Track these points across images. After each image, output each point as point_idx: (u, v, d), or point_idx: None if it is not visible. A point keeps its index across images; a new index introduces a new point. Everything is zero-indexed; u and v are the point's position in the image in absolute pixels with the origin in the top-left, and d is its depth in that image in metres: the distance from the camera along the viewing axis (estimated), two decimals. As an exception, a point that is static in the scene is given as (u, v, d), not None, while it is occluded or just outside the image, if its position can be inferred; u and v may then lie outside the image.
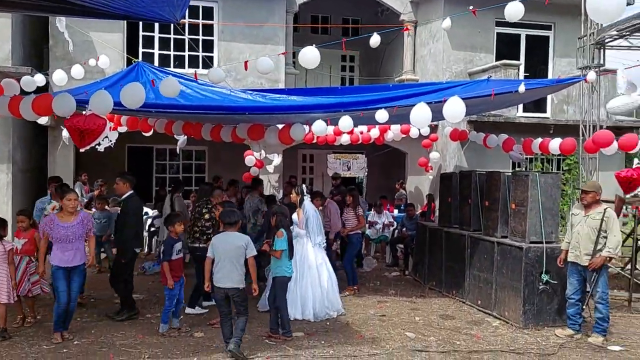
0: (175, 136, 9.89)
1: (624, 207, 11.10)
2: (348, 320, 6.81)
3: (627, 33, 8.25)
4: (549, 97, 12.46)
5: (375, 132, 11.20)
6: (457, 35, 12.25)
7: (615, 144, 6.92)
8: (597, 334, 6.21)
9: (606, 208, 6.16)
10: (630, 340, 6.30)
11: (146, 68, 8.30)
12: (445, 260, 8.46)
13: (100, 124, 5.11)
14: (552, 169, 12.22)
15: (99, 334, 6.01)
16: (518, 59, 12.36)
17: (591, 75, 6.93)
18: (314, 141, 10.95)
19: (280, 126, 7.47)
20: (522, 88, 6.12)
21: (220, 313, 5.46)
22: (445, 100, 5.55)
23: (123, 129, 9.55)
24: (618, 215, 7.25)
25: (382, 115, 6.21)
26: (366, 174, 14.31)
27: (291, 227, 6.91)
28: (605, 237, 6.06)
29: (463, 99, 5.50)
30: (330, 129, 10.61)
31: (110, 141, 7.85)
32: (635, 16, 7.77)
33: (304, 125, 7.17)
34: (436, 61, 12.58)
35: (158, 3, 5.75)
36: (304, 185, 7.46)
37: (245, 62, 7.35)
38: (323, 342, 5.94)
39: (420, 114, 5.60)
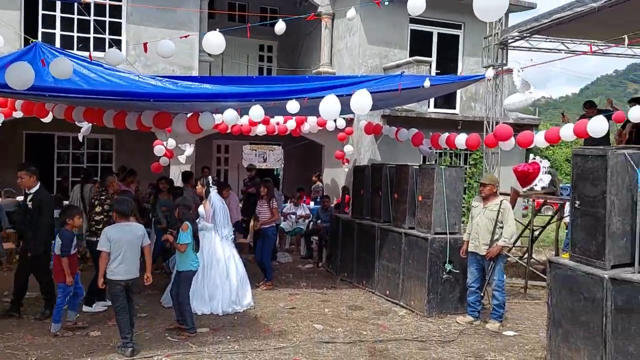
0: (77, 123, 9.28)
1: (525, 200, 11.80)
2: (257, 314, 6.71)
3: (527, 35, 8.71)
4: (457, 94, 12.96)
5: (291, 124, 11.13)
6: (373, 30, 12.43)
7: (513, 140, 7.29)
8: (494, 320, 6.53)
9: (502, 200, 6.48)
10: (523, 325, 6.68)
11: (45, 49, 7.67)
12: (357, 251, 8.58)
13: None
14: (460, 163, 12.75)
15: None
16: (430, 55, 12.74)
17: (489, 72, 7.26)
18: (229, 131, 10.72)
19: (188, 114, 7.18)
20: (427, 83, 6.28)
21: (118, 307, 5.17)
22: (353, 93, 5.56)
23: (18, 114, 8.84)
24: (513, 207, 7.66)
25: (293, 106, 6.14)
26: (283, 165, 14.21)
27: (198, 220, 6.70)
28: (502, 228, 6.37)
29: (371, 92, 5.54)
30: (245, 119, 10.49)
31: None
32: (534, 19, 8.22)
33: (214, 114, 6.94)
34: (352, 55, 12.69)
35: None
36: (209, 177, 7.23)
37: (145, 44, 7.00)
38: (229, 337, 5.80)
39: (329, 106, 5.58)
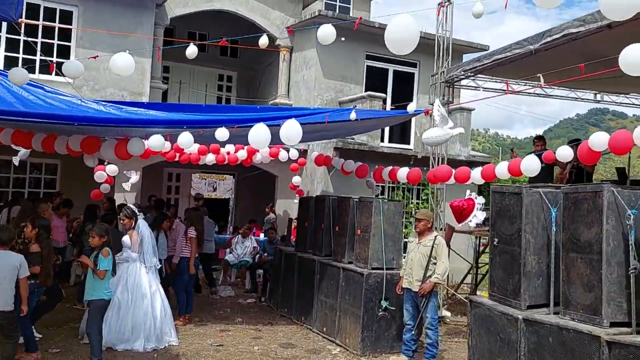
0: (13, 146, 8.95)
1: (473, 237, 11.76)
2: (180, 351, 6.37)
3: (472, 74, 8.82)
4: (412, 130, 13.06)
5: (242, 154, 10.96)
6: (330, 65, 12.51)
7: (452, 177, 7.27)
8: (427, 359, 6.34)
9: (437, 235, 6.38)
10: (458, 365, 6.51)
11: (-17, 69, 7.45)
12: (297, 286, 8.34)
13: None
14: (412, 198, 12.73)
15: None
16: (386, 92, 12.85)
17: (410, 107, 7.28)
18: (176, 159, 10.49)
19: (117, 140, 6.97)
20: (353, 115, 6.25)
21: None
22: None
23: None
24: (448, 244, 7.59)
25: (222, 133, 6.01)
26: (233, 195, 13.98)
27: (122, 251, 6.42)
28: (435, 264, 6.25)
29: (300, 123, 5.44)
30: (195, 147, 10.30)
31: None
32: (476, 59, 8.34)
33: (143, 140, 6.74)
34: (308, 88, 12.72)
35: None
36: (131, 205, 6.96)
37: (95, 56, 6.83)
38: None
39: (259, 134, 5.46)
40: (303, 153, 11.97)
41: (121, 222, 6.67)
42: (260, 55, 15.36)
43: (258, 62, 15.13)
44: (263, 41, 5.90)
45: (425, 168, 8.36)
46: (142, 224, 6.66)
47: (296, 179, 11.30)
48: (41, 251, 5.48)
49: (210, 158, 10.85)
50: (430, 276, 6.25)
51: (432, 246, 6.28)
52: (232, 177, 13.26)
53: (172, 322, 6.76)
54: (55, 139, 7.41)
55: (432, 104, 8.48)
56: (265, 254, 10.36)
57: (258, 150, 11.08)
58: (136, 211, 6.63)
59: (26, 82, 5.65)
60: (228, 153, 10.93)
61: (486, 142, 73.68)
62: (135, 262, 6.48)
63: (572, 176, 8.38)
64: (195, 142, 9.50)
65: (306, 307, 7.99)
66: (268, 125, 5.73)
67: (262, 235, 12.11)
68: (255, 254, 10.72)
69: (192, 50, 5.97)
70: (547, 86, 7.89)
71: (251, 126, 5.77)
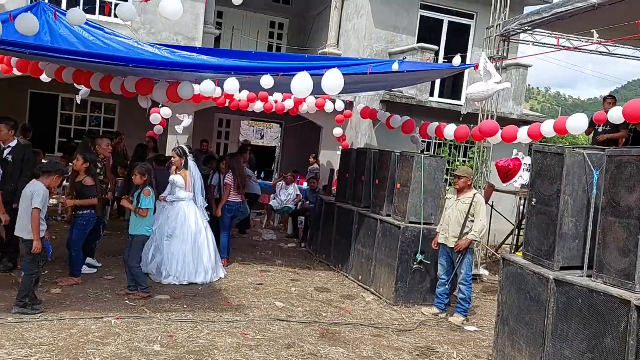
0: (76, 85, 9.36)
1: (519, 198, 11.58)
2: (222, 287, 6.75)
3: (529, 28, 8.46)
4: (464, 85, 12.72)
5: (289, 103, 11.04)
6: (382, 14, 12.22)
7: (499, 135, 7.13)
8: (458, 314, 6.47)
9: (476, 193, 6.36)
10: (489, 322, 6.59)
11: (47, 8, 7.73)
12: (336, 234, 8.55)
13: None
14: (458, 156, 12.56)
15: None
16: (439, 44, 12.50)
17: (456, 60, 7.08)
18: (226, 105, 10.71)
19: (170, 83, 7.17)
20: (395, 67, 6.16)
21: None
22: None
23: (16, 72, 8.93)
24: (487, 202, 7.52)
25: (266, 81, 6.09)
26: (280, 144, 14.17)
27: (173, 190, 6.76)
28: (473, 222, 6.26)
29: (343, 73, 5.45)
30: (245, 94, 10.47)
31: None
32: (535, 12, 7.97)
33: (193, 84, 6.91)
34: (359, 37, 12.52)
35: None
36: (183, 145, 7.26)
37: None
38: (185, 306, 5.85)
39: (301, 83, 5.51)
40: (349, 105, 11.93)
41: (172, 160, 6.98)
42: (313, 2, 15.15)
43: (310, 9, 14.95)
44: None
45: (472, 125, 8.21)
46: (192, 165, 6.95)
47: (337, 131, 11.32)
48: (95, 184, 5.85)
49: (258, 106, 11.00)
50: (467, 233, 6.28)
51: (471, 204, 6.27)
52: (279, 125, 13.39)
53: (220, 257, 7.18)
54: (112, 80, 7.69)
55: (490, 58, 8.25)
56: (307, 202, 10.59)
57: (305, 100, 11.13)
58: (187, 151, 6.91)
59: (83, 22, 5.86)
60: (276, 102, 11.04)
61: (546, 102, 70.64)
62: (190, 201, 6.84)
63: (627, 142, 8.04)
64: (242, 89, 9.67)
65: (343, 255, 8.22)
66: (312, 75, 5.76)
67: (305, 184, 12.33)
68: (298, 201, 10.98)
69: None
70: (608, 43, 7.48)
71: (294, 75, 5.82)
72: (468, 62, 12.93)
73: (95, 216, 6.07)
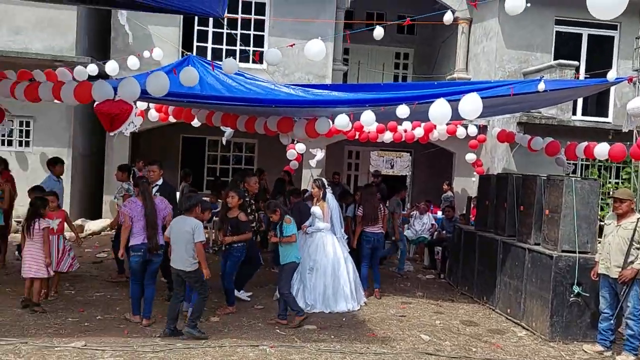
0: (221, 128, 10.21)
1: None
2: (365, 318, 6.76)
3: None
4: (611, 100, 11.74)
5: (419, 131, 11.00)
6: (513, 34, 11.81)
7: (663, 152, 6.42)
8: (627, 352, 5.81)
9: (639, 218, 5.75)
10: (665, 362, 5.85)
11: (196, 61, 8.61)
12: (478, 265, 8.20)
13: (125, 109, 5.37)
14: (610, 177, 11.51)
15: (123, 311, 6.29)
16: (579, 59, 11.72)
17: (610, 74, 6.48)
18: (356, 137, 10.95)
19: (307, 119, 7.53)
20: (541, 86, 5.83)
21: (174, 292, 5.73)
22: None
23: (171, 119, 9.99)
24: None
25: (402, 110, 6.13)
26: (410, 172, 14.07)
27: (312, 220, 7.01)
28: (638, 249, 5.65)
29: (481, 97, 5.31)
30: (374, 126, 10.63)
31: (135, 126, 8.20)
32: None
33: (329, 120, 7.19)
34: (489, 60, 12.18)
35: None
36: (323, 179, 7.50)
37: (291, 44, 7.43)
38: (333, 336, 5.94)
39: (439, 110, 5.46)
40: (482, 129, 11.58)
41: (311, 191, 7.27)
42: (438, 30, 15.07)
43: (435, 37, 14.88)
44: (447, 17, 5.85)
45: (628, 143, 7.51)
46: (330, 196, 7.17)
47: (470, 156, 10.99)
48: (247, 220, 6.26)
49: (387, 136, 11.10)
50: (632, 262, 5.68)
51: (635, 229, 5.68)
52: (408, 154, 13.37)
53: (361, 287, 7.25)
54: (256, 120, 8.27)
55: (637, 70, 7.57)
56: (444, 232, 10.33)
57: (435, 127, 11.01)
58: (326, 183, 7.16)
59: (235, 70, 6.40)
60: (405, 131, 11.06)
61: None
62: (328, 231, 7.04)
63: None
64: (375, 121, 9.84)
65: (488, 287, 7.84)
66: (448, 101, 5.71)
67: (439, 213, 12.06)
68: (433, 231, 10.76)
69: (379, 32, 6.18)
70: None
71: (431, 102, 5.80)
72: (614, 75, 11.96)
73: (246, 248, 6.46)
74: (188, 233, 5.47)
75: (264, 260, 8.12)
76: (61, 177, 8.46)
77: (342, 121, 6.58)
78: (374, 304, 7.47)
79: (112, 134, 6.27)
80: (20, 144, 11.67)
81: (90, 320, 5.91)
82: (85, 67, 8.77)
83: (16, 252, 8.20)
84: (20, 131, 11.62)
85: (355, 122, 8.22)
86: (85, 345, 5.10)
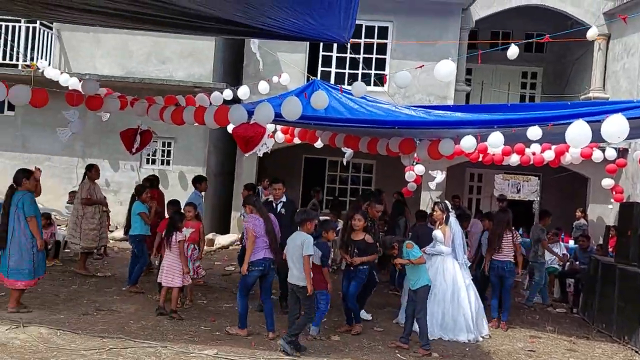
0: (342, 149, 10.45)
1: None
2: (490, 350, 6.45)
3: None
4: None
5: (549, 154, 10.34)
6: (661, 48, 10.79)
7: None
8: None
9: None
10: None
11: (320, 85, 8.97)
12: (618, 300, 7.46)
13: (259, 131, 5.71)
14: None
15: (252, 323, 6.55)
16: None
17: None
18: (479, 160, 10.58)
19: (431, 141, 7.45)
20: None
21: (289, 309, 5.88)
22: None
23: (296, 140, 10.42)
24: None
25: (534, 132, 5.83)
26: (537, 198, 13.24)
27: (434, 244, 6.87)
28: None
29: (628, 118, 4.89)
30: (500, 149, 10.21)
31: (268, 147, 8.65)
32: None
33: (453, 141, 7.04)
34: (630, 77, 11.22)
35: (326, 26, 6.24)
36: (447, 202, 7.31)
37: (421, 66, 7.44)
38: (456, 366, 5.75)
39: (578, 132, 5.11)
40: (622, 153, 10.63)
41: (434, 214, 7.13)
42: (570, 47, 14.20)
43: (567, 55, 14.03)
44: (592, 33, 5.52)
45: None
46: (454, 220, 6.99)
47: (608, 182, 10.11)
48: (374, 242, 6.31)
49: (514, 159, 10.56)
50: None
51: None
52: (536, 178, 12.62)
53: (484, 317, 6.93)
54: (378, 141, 8.37)
55: None
56: (577, 262, 9.56)
57: (567, 150, 10.30)
58: (449, 207, 7.00)
59: (364, 93, 6.55)
60: (534, 153, 10.46)
61: None
62: (448, 256, 6.85)
63: None
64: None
65: (630, 326, 7.09)
66: (587, 122, 5.33)
67: (570, 242, 11.21)
68: (565, 261, 10.00)
69: (513, 51, 6.00)
70: None
71: (568, 123, 5.45)
72: None
73: (371, 271, 6.50)
74: (299, 247, 5.64)
75: (381, 282, 8.11)
76: (203, 193, 9.16)
77: (469, 143, 6.42)
78: (500, 335, 7.10)
79: (246, 154, 6.67)
80: (162, 163, 12.86)
81: (220, 330, 6.27)
82: (221, 92, 9.47)
83: (156, 262, 8.99)
84: (163, 151, 12.82)
85: (480, 144, 7.99)
86: (217, 354, 5.43)
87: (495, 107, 10.02)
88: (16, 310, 6.24)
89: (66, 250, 9.47)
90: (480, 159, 10.55)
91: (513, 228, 7.71)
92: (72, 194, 10.67)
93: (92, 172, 8.54)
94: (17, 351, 5.10)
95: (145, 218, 7.90)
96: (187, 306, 7.10)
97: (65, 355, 5.09)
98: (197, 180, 9.03)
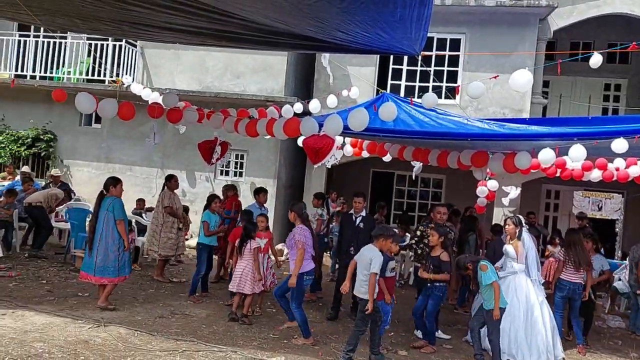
0: (411, 163, 10.34)
1: None
2: (568, 374, 6.12)
3: None
4: None
5: (635, 170, 9.71)
6: None
7: None
8: None
9: None
10: None
11: (390, 97, 8.95)
12: None
13: (328, 142, 5.79)
14: None
15: (318, 334, 6.61)
16: None
17: None
18: (557, 175, 10.12)
19: (505, 154, 7.21)
20: None
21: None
22: None
23: (365, 153, 10.43)
24: None
25: (619, 145, 5.50)
26: (621, 216, 12.44)
27: (507, 260, 6.63)
28: None
29: None
30: (579, 163, 9.72)
31: (336, 159, 8.68)
32: None
33: (530, 154, 6.77)
34: None
35: (398, 39, 6.25)
36: (520, 216, 7.03)
37: (495, 76, 7.30)
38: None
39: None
40: None
41: (506, 227, 6.89)
42: None
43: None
44: (594, 61, 5.20)
45: None
46: (527, 236, 6.72)
47: None
48: (450, 260, 6.18)
49: (595, 174, 10.01)
50: None
51: None
52: (620, 195, 11.87)
53: (559, 338, 6.60)
54: (448, 155, 8.21)
55: None
56: (665, 286, 8.87)
57: (657, 165, 9.66)
58: (523, 221, 6.75)
59: (435, 104, 6.48)
60: (617, 169, 9.87)
61: None
62: (522, 273, 6.58)
63: None
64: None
65: None
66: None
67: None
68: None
69: (596, 60, 5.73)
70: None
71: (660, 137, 5.13)
72: None
73: (446, 290, 6.35)
74: (367, 262, 5.65)
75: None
76: (264, 205, 9.25)
77: (547, 156, 6.15)
78: (577, 357, 6.72)
79: (316, 166, 6.77)
80: (235, 175, 13.28)
81: (288, 338, 6.35)
82: (292, 106, 9.67)
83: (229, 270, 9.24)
84: (236, 163, 13.23)
85: (558, 158, 7.65)
86: (285, 361, 5.51)
87: (575, 120, 9.56)
88: (105, 307, 6.74)
89: (145, 256, 9.97)
90: (557, 174, 10.09)
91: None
92: (140, 202, 11.17)
93: (171, 182, 8.92)
94: (98, 349, 5.40)
95: (206, 227, 7.95)
96: (257, 314, 7.24)
97: (141, 355, 5.34)
98: (257, 192, 9.13)
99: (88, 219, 8.15)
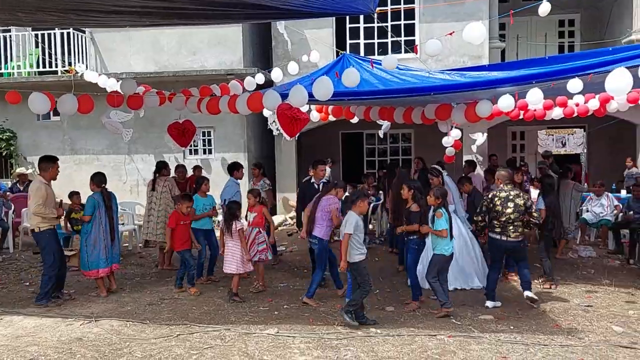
0: (378, 122, 10.40)
1: None
2: (546, 308, 6.43)
3: None
4: None
5: (594, 104, 9.98)
6: None
7: None
8: None
9: None
10: None
11: (350, 59, 8.93)
12: (677, 249, 7.30)
13: (304, 117, 5.79)
14: None
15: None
16: None
17: None
18: (520, 117, 10.34)
19: (467, 104, 7.35)
20: None
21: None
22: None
23: (331, 117, 10.46)
24: None
25: (575, 85, 5.68)
26: (584, 150, 12.84)
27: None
28: None
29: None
30: (541, 104, 9.93)
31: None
32: None
33: (491, 102, 6.92)
34: (676, 15, 10.63)
35: (352, -1, 6.21)
36: (437, 166, 7.67)
37: (451, 33, 7.30)
38: (512, 327, 5.78)
39: (618, 80, 4.95)
40: (673, 95, 10.11)
41: (431, 181, 7.26)
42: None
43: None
44: None
45: None
46: (448, 179, 7.53)
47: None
48: (420, 210, 6.32)
49: (557, 112, 10.26)
50: None
51: None
52: (582, 130, 12.23)
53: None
54: (412, 111, 8.31)
55: None
56: (631, 212, 9.32)
57: (612, 98, 9.94)
58: (440, 169, 7.44)
59: (395, 66, 6.50)
60: (577, 105, 10.12)
61: None
62: (453, 213, 7.00)
63: None
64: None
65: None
66: (628, 68, 5.16)
67: (623, 192, 10.90)
68: (617, 212, 9.77)
69: (545, 8, 5.82)
70: None
71: (608, 72, 5.28)
72: None
73: (422, 240, 6.48)
74: (343, 225, 5.89)
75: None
76: (239, 179, 9.18)
77: (506, 102, 6.30)
78: (555, 292, 7.07)
79: (290, 138, 6.76)
80: (204, 152, 13.17)
81: (278, 310, 6.50)
82: (254, 77, 9.55)
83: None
84: (203, 140, 13.11)
85: (519, 100, 7.81)
86: (278, 332, 5.66)
87: (533, 61, 9.69)
88: (107, 295, 7.11)
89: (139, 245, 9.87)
90: (521, 116, 10.30)
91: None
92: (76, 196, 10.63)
93: (167, 169, 8.85)
94: (93, 344, 5.45)
95: (192, 213, 7.65)
96: (256, 290, 7.28)
97: (137, 345, 5.41)
98: (234, 168, 8.94)
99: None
